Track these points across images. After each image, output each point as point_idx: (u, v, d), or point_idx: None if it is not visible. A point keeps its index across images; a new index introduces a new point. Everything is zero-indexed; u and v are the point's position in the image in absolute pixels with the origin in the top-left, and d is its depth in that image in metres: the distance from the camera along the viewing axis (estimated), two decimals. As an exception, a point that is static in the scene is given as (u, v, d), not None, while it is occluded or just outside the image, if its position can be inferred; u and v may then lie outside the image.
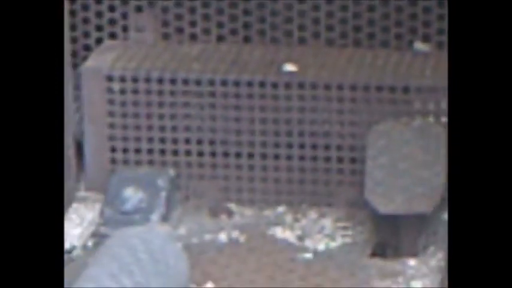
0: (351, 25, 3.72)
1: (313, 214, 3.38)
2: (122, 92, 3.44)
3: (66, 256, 3.21)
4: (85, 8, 3.84)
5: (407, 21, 3.69)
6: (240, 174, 3.49)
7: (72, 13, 3.79)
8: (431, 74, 3.45)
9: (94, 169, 3.57)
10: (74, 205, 3.51)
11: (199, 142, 3.49)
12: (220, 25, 3.75)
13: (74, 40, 3.70)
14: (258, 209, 3.45)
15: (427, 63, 3.50)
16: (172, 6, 3.78)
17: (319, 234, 3.30)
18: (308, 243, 3.27)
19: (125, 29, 3.78)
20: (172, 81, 3.44)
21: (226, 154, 3.49)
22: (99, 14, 3.81)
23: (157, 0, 3.81)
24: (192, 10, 3.78)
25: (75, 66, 3.56)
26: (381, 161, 3.22)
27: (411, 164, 3.23)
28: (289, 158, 3.49)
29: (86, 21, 3.83)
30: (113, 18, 3.79)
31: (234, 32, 3.75)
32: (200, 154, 3.48)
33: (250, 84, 3.40)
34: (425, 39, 3.64)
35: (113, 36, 3.77)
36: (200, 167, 3.48)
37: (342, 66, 3.52)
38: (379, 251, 3.21)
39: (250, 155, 3.48)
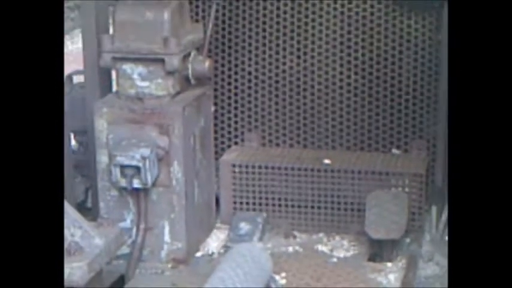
0: (359, 138, 4.12)
1: (338, 238, 3.91)
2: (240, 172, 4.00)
3: (207, 258, 3.74)
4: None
5: (390, 136, 4.09)
6: (300, 217, 4.00)
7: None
8: (400, 165, 3.92)
9: (224, 212, 4.04)
10: (214, 230, 3.97)
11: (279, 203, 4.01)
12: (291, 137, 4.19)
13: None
14: (309, 235, 3.95)
15: (399, 160, 3.99)
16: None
17: (341, 248, 3.84)
18: (335, 253, 3.82)
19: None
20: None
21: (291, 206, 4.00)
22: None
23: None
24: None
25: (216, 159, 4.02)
26: (373, 211, 3.72)
27: (389, 213, 3.71)
28: (320, 206, 3.95)
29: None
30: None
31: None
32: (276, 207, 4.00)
33: (305, 169, 3.96)
34: (398, 147, 4.08)
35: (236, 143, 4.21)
36: (280, 213, 4.02)
37: (354, 160, 4.00)
38: (372, 258, 3.74)
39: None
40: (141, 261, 3.56)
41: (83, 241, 2.94)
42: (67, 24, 7.96)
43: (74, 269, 2.75)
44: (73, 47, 3.62)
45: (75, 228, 2.94)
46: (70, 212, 2.95)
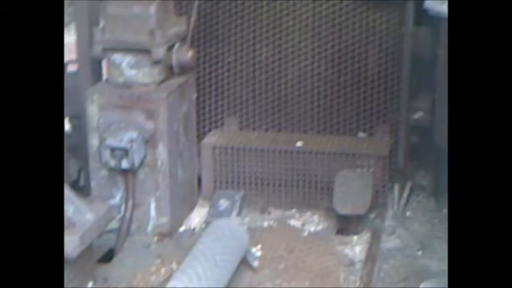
0: (329, 122, 4.11)
1: (308, 214, 3.87)
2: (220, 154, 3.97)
3: (190, 232, 3.69)
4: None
5: (357, 121, 4.08)
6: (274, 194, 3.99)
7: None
8: (365, 148, 3.91)
9: (206, 190, 4.03)
10: (196, 207, 3.94)
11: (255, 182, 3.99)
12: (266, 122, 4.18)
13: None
14: (283, 211, 3.92)
15: (365, 143, 3.99)
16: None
17: (312, 223, 3.82)
18: (306, 227, 3.80)
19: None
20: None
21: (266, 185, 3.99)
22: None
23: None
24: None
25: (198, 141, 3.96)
26: (341, 189, 3.71)
27: (355, 191, 3.70)
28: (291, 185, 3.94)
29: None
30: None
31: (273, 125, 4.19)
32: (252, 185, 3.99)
33: (279, 151, 3.93)
34: (364, 131, 4.07)
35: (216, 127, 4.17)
36: (256, 191, 4.01)
37: (324, 143, 3.99)
38: (340, 232, 3.72)
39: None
40: (129, 235, 3.55)
41: (75, 216, 2.92)
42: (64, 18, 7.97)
43: (66, 242, 2.72)
44: (69, 39, 3.61)
45: (68, 204, 2.92)
46: (64, 190, 2.87)
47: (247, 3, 4.11)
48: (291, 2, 4.05)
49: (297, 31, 4.10)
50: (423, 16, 3.61)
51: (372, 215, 3.78)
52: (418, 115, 3.96)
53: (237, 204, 3.81)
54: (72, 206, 2.93)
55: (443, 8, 2.61)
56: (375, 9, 3.99)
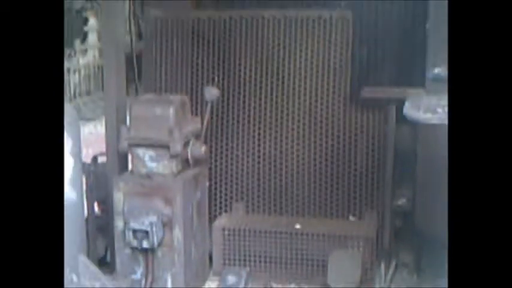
0: (323, 208, 4.11)
1: None
2: (228, 235, 3.96)
3: None
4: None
5: (348, 207, 4.09)
6: (276, 271, 3.93)
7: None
8: (355, 230, 3.87)
9: (216, 266, 3.95)
10: (207, 281, 3.89)
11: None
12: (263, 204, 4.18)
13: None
14: (283, 285, 3.87)
15: (355, 226, 3.99)
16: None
17: None
18: None
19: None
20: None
21: (269, 262, 3.92)
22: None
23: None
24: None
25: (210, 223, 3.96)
26: (334, 267, 3.64)
27: (346, 268, 3.65)
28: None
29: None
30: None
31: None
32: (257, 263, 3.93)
33: (280, 233, 3.90)
34: (354, 215, 4.10)
35: (226, 211, 4.18)
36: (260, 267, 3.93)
37: (319, 225, 3.97)
38: None
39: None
40: None
41: None
42: (96, 112, 8.05)
43: None
44: (98, 131, 3.70)
45: (95, 280, 2.99)
46: (91, 267, 2.98)
47: (252, 105, 4.22)
48: (291, 103, 4.16)
49: (296, 128, 4.19)
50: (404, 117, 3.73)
51: (362, 289, 3.77)
52: (401, 201, 4.01)
53: (243, 279, 3.78)
54: (98, 282, 2.99)
55: (419, 115, 2.70)
56: (363, 111, 4.09)
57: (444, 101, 2.29)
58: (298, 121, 4.16)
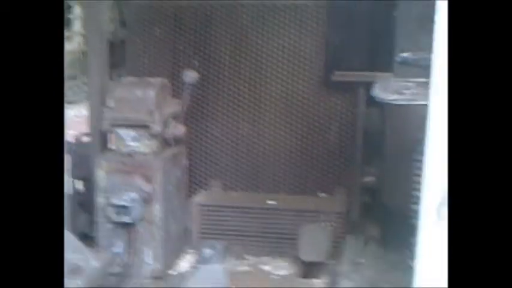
0: (296, 184, 4.15)
1: (278, 260, 3.82)
2: (206, 210, 3.91)
3: (180, 275, 3.58)
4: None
5: (319, 183, 4.10)
6: (250, 244, 3.91)
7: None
8: (326, 206, 3.87)
9: (193, 240, 3.92)
10: (185, 255, 3.85)
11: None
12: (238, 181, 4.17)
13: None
14: (257, 258, 3.84)
15: (325, 201, 3.99)
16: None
17: (281, 268, 3.77)
18: (276, 272, 3.74)
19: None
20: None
21: (244, 236, 3.89)
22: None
23: None
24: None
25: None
26: (305, 240, 3.65)
27: (317, 241, 3.67)
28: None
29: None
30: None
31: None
32: (232, 236, 3.89)
33: (255, 208, 3.91)
34: (325, 192, 4.10)
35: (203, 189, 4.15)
36: (236, 241, 3.89)
37: (292, 201, 4.01)
38: (304, 276, 3.63)
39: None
40: (129, 278, 3.54)
41: (83, 263, 3.00)
42: (81, 96, 8.03)
43: (76, 285, 2.82)
44: (82, 113, 3.71)
45: (77, 253, 3.00)
46: (73, 241, 3.01)
47: (230, 88, 4.23)
48: (268, 86, 4.18)
49: (272, 110, 4.21)
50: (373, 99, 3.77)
51: (331, 262, 3.74)
52: (369, 179, 4.03)
53: (220, 252, 3.76)
54: (81, 254, 3.01)
55: (386, 96, 2.77)
56: (335, 94, 4.12)
57: (410, 83, 2.36)
58: (274, 103, 4.18)
